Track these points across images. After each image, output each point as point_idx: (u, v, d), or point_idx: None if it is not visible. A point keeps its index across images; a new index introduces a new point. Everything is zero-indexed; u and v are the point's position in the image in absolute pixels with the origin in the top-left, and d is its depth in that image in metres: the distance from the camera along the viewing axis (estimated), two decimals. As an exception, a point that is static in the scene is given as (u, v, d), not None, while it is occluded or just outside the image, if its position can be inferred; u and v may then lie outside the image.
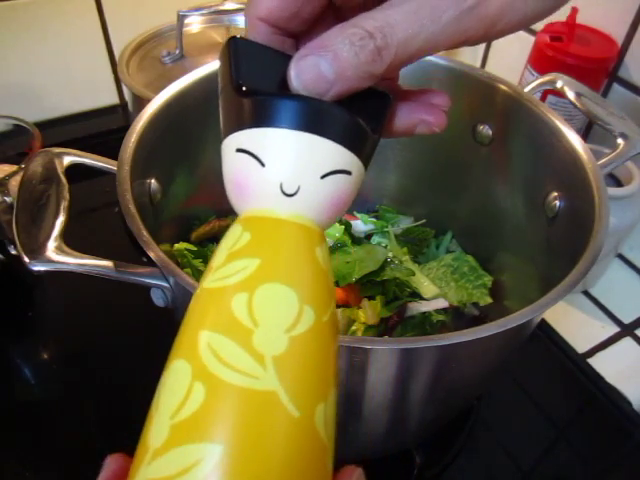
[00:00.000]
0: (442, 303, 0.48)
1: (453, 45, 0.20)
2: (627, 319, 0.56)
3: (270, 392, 0.16)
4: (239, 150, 0.20)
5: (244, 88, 0.20)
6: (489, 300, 0.49)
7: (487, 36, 0.20)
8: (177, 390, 0.17)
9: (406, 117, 0.24)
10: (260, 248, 0.19)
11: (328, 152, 0.20)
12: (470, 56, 0.75)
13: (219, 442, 0.16)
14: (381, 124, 0.22)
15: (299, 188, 0.20)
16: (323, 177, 0.20)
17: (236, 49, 0.22)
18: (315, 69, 0.20)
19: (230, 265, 0.19)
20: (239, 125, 0.20)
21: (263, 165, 0.20)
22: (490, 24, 0.20)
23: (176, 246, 0.47)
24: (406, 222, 0.56)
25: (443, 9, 0.19)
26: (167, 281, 0.34)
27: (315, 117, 0.20)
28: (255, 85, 0.20)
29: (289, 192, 0.20)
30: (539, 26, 0.60)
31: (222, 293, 0.18)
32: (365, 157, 0.21)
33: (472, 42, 0.20)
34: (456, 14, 0.19)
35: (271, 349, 0.17)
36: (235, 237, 0.20)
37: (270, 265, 0.19)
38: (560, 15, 0.59)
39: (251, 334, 0.17)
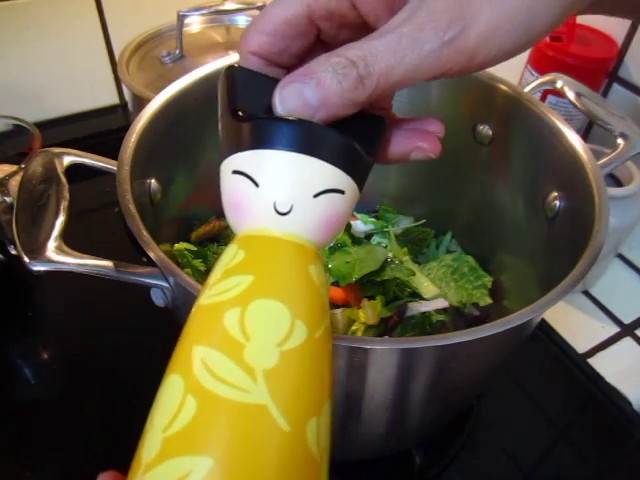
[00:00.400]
0: (442, 303, 0.48)
1: (434, 75, 0.21)
2: (627, 319, 0.56)
3: (260, 405, 0.17)
4: (235, 172, 0.21)
5: (239, 113, 0.21)
6: (489, 300, 0.49)
7: (467, 68, 0.21)
8: (170, 404, 0.17)
9: (401, 144, 0.25)
10: (254, 265, 0.20)
11: (320, 172, 0.20)
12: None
13: (209, 454, 0.16)
14: (376, 146, 0.23)
15: (292, 207, 0.20)
16: (316, 196, 0.20)
17: (233, 76, 0.23)
18: (299, 96, 0.21)
19: (225, 282, 0.19)
20: (235, 148, 0.21)
21: (257, 185, 0.20)
22: (469, 57, 0.21)
23: (176, 246, 0.47)
24: (406, 222, 0.56)
25: (423, 41, 0.20)
26: (167, 281, 0.34)
27: (305, 138, 0.20)
28: (250, 110, 0.21)
29: (282, 211, 0.20)
30: (539, 26, 0.60)
31: (216, 309, 0.19)
32: (358, 177, 0.22)
33: (452, 73, 0.21)
34: (436, 46, 0.20)
35: (262, 363, 0.17)
36: (231, 255, 0.20)
37: (263, 281, 0.19)
38: (560, 15, 0.59)
39: (242, 348, 0.17)
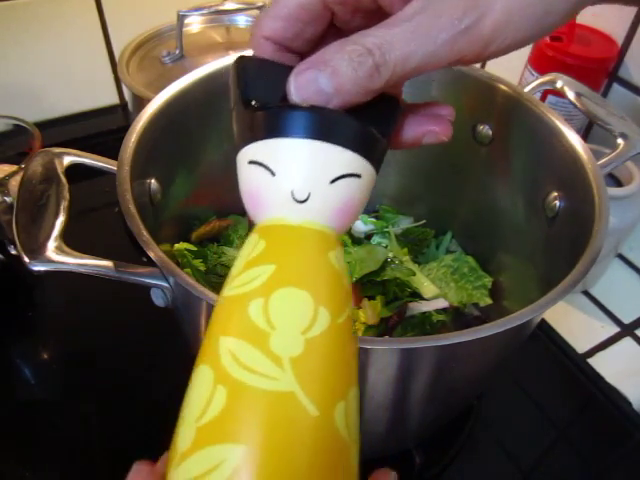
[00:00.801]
0: (442, 303, 0.48)
1: (448, 63, 0.21)
2: (627, 319, 0.56)
3: (288, 392, 0.17)
4: (251, 162, 0.21)
5: (251, 103, 0.21)
6: (489, 301, 0.49)
7: (481, 56, 0.21)
8: (201, 394, 0.18)
9: (413, 129, 0.25)
10: (274, 254, 0.20)
11: (336, 157, 0.20)
12: (470, 56, 0.75)
13: (241, 442, 0.16)
14: (391, 128, 0.23)
15: (310, 194, 0.20)
16: (332, 182, 0.20)
17: (244, 66, 0.23)
18: (314, 83, 0.20)
19: (247, 273, 0.20)
20: (250, 138, 0.21)
21: (273, 174, 0.20)
22: (483, 45, 0.21)
23: (176, 246, 0.47)
24: (406, 222, 0.56)
25: (439, 30, 0.20)
26: (167, 281, 0.34)
27: (320, 125, 0.20)
28: (262, 99, 0.21)
29: (300, 199, 0.20)
30: (539, 26, 0.60)
31: (240, 300, 0.19)
32: (375, 160, 0.22)
33: (467, 61, 0.21)
34: (451, 35, 0.20)
35: (288, 351, 0.18)
36: (251, 246, 0.21)
37: (284, 270, 0.19)
38: (560, 15, 0.59)
39: (268, 337, 0.18)
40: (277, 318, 0.18)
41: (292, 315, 0.19)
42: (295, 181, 0.20)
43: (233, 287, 0.20)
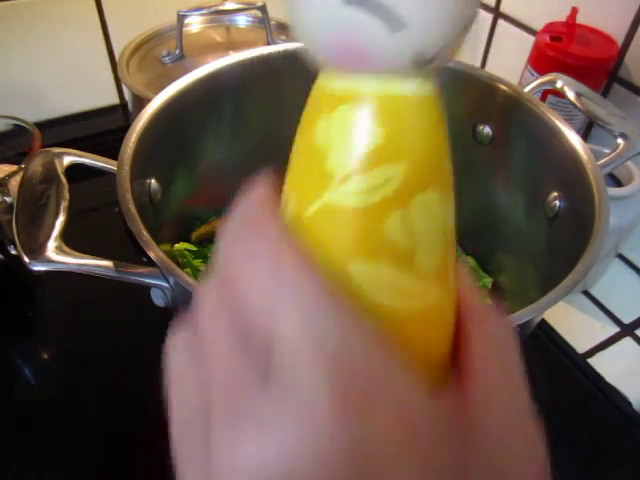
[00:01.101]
0: (442, 303, 0.48)
1: None
2: (627, 319, 0.56)
3: (440, 306, 0.17)
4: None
5: None
6: (489, 302, 0.49)
7: None
8: None
9: None
10: (404, 146, 0.15)
11: None
12: (470, 56, 0.75)
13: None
14: None
15: (437, 54, 0.15)
16: (460, 32, 0.15)
17: None
18: None
19: (370, 174, 0.15)
20: None
21: (400, 25, 0.14)
22: None
23: (176, 246, 0.47)
24: (406, 222, 0.56)
25: None
26: (167, 281, 0.34)
27: None
28: None
29: (428, 60, 0.15)
30: (539, 26, 0.60)
31: (371, 212, 0.15)
32: None
33: None
34: None
35: (435, 267, 0.16)
36: (361, 129, 0.15)
37: (419, 169, 0.15)
38: (560, 15, 0.59)
39: (413, 258, 0.15)
40: (419, 232, 0.15)
41: (434, 225, 0.16)
42: (434, 34, 0.14)
43: (353, 193, 0.15)
